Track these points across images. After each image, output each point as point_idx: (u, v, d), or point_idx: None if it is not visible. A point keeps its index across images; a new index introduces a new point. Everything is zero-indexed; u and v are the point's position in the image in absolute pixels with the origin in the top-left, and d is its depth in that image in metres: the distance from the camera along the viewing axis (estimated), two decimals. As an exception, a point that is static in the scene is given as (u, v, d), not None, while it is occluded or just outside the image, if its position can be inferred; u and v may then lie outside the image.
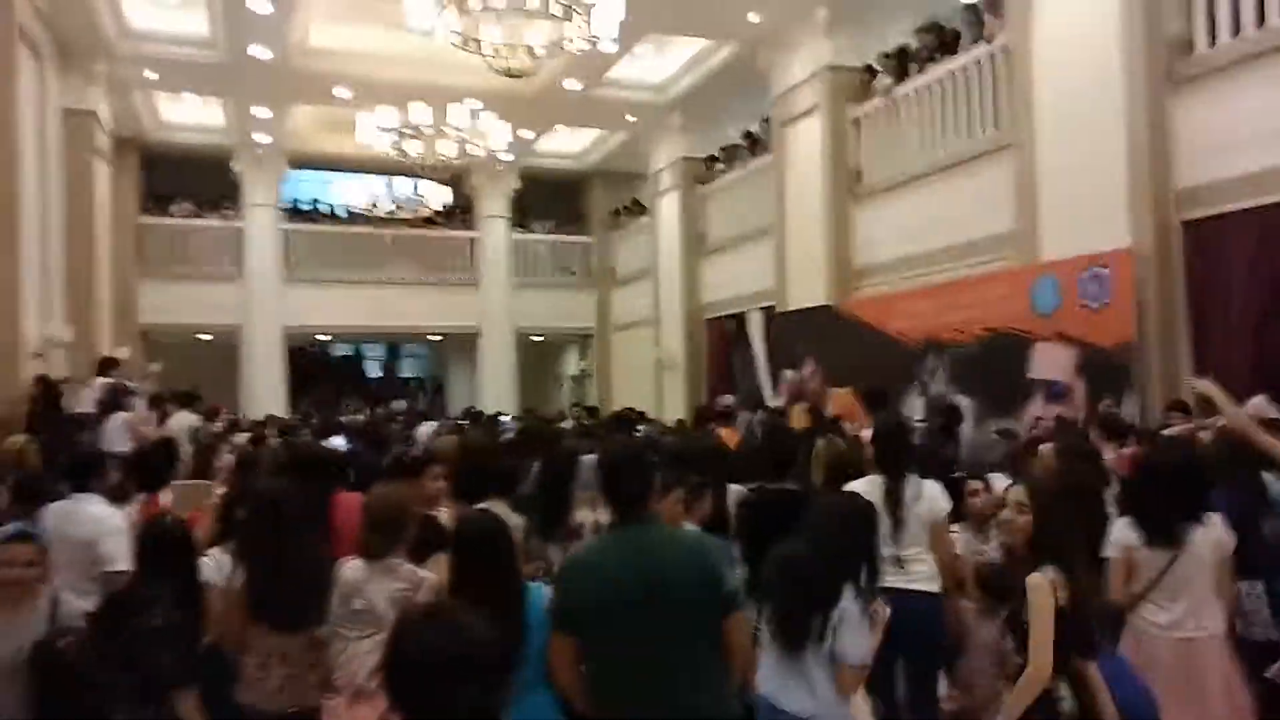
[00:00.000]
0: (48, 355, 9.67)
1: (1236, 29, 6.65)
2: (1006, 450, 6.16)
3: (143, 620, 2.57)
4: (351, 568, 3.35)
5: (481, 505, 4.23)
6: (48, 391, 8.62)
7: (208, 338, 16.80)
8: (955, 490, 4.40)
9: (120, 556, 3.98)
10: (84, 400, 8.56)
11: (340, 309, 16.78)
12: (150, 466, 5.10)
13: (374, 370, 26.51)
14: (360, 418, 12.41)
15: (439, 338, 20.47)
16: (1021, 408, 7.82)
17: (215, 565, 3.67)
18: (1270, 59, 6.36)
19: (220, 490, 5.33)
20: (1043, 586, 2.90)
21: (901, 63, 10.19)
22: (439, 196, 14.61)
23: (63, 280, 10.73)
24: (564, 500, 4.62)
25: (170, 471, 5.21)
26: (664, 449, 4.87)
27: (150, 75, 12.74)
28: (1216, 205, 6.67)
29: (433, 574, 3.34)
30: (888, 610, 3.65)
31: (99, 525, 4.07)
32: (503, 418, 12.83)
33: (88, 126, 11.96)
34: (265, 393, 15.45)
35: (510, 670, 2.32)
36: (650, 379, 15.86)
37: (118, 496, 4.61)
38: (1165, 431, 5.56)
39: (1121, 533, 3.65)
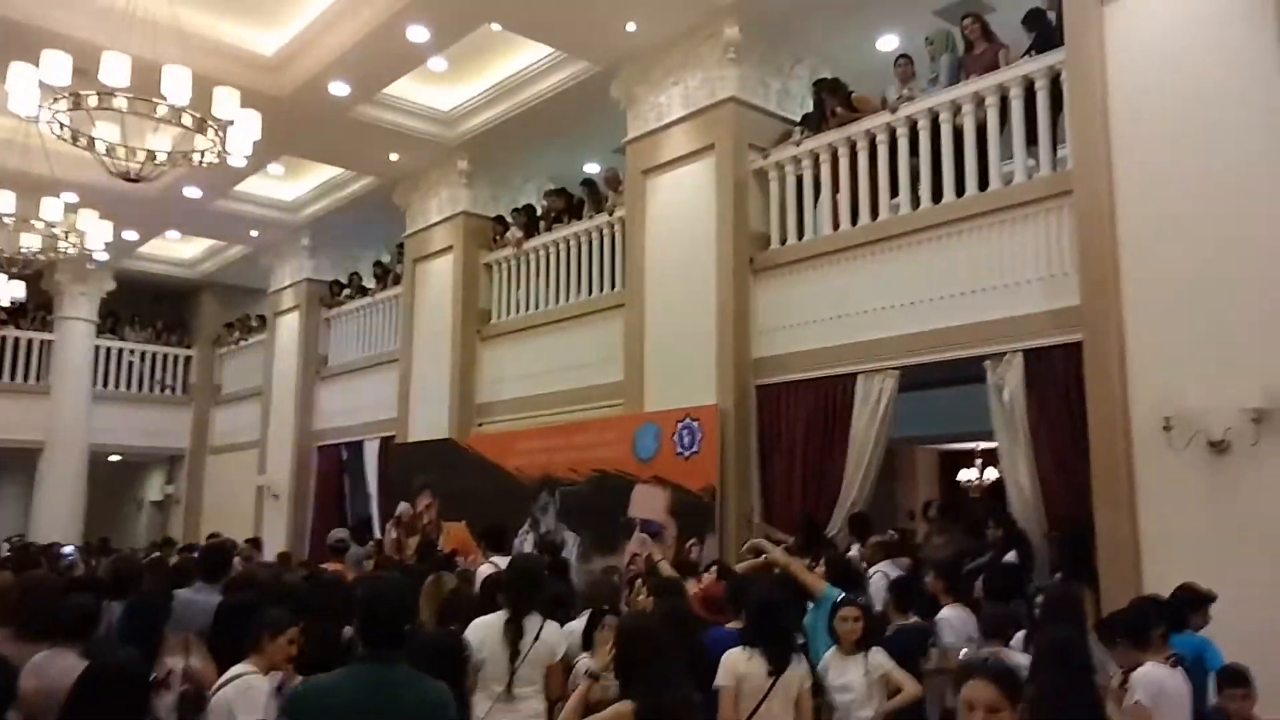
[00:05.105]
0: None
1: (801, 233, 8.11)
2: (614, 585, 6.61)
3: None
4: None
5: (45, 652, 3.77)
6: None
7: None
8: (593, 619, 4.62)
9: None
10: None
11: None
12: None
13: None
14: None
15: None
16: (622, 545, 8.45)
17: None
18: (821, 261, 7.79)
19: None
20: (622, 713, 3.09)
21: (531, 219, 11.01)
22: (8, 291, 12.74)
23: None
24: (151, 645, 4.23)
25: None
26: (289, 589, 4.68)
27: None
28: (781, 374, 7.90)
29: None
30: None
31: None
32: (64, 549, 11.22)
33: None
34: None
35: None
36: (250, 506, 14.77)
37: None
38: (736, 567, 6.33)
39: (732, 659, 3.94)
